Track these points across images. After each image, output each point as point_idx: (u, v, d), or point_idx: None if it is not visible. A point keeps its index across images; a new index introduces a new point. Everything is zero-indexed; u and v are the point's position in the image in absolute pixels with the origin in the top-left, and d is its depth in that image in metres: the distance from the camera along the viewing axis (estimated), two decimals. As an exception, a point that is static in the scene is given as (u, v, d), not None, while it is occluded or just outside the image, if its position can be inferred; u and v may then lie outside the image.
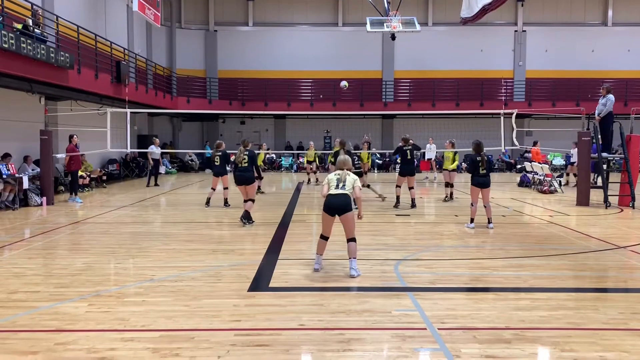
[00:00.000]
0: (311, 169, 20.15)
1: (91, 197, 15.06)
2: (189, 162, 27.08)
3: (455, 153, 14.21)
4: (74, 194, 14.03)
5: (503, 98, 28.33)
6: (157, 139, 19.56)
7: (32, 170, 13.98)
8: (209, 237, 9.02)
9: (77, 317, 4.93)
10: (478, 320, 4.86)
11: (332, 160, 14.28)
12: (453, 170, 14.22)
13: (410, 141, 12.98)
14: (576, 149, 18.29)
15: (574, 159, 18.47)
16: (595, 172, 14.82)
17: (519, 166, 25.62)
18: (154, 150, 18.30)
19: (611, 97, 13.03)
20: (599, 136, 13.16)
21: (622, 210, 12.39)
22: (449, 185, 14.28)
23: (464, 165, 11.67)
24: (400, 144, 13.00)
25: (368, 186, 14.01)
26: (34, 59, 12.53)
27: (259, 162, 16.03)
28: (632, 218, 11.55)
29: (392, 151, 16.45)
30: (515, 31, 29.48)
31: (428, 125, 26.25)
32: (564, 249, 8.07)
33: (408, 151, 12.70)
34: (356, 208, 6.59)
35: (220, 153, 12.75)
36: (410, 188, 12.69)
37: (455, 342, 4.35)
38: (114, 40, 19.22)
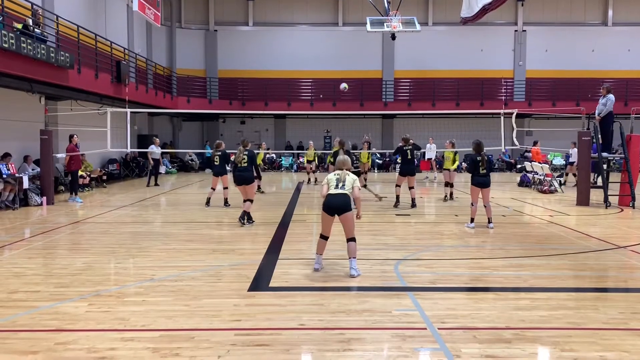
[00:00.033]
0: (311, 168, 20.15)
1: (91, 197, 15.06)
2: (189, 161, 27.08)
3: (455, 153, 14.21)
4: (74, 193, 14.03)
5: (503, 98, 28.32)
6: (157, 139, 19.56)
7: (32, 170, 13.99)
8: (209, 237, 9.02)
9: (77, 317, 4.93)
10: (478, 320, 4.86)
11: (332, 160, 14.29)
12: (453, 169, 14.23)
13: (411, 141, 12.98)
14: (575, 148, 18.34)
15: (573, 158, 18.49)
16: (595, 172, 14.82)
17: (519, 166, 25.62)
18: (154, 150, 18.30)
19: (611, 97, 13.03)
20: (599, 136, 13.16)
21: (622, 210, 12.39)
22: (448, 184, 14.28)
23: (464, 165, 11.67)
24: (401, 144, 13.00)
25: (365, 186, 14.00)
26: (34, 59, 12.52)
27: (258, 161, 16.05)
28: (632, 218, 11.55)
29: (392, 151, 16.45)
30: (516, 31, 29.48)
31: (428, 125, 26.24)
32: (564, 248, 8.07)
33: (408, 151, 12.70)
34: (355, 208, 6.58)
35: (220, 153, 12.75)
36: (411, 188, 12.69)
37: (456, 341, 4.35)
38: (114, 40, 19.22)
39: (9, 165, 12.70)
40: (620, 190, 13.19)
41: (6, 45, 11.33)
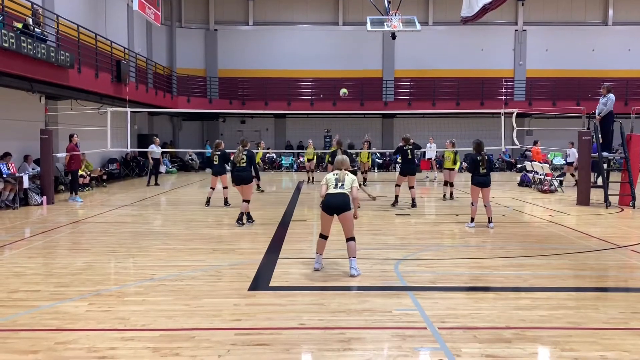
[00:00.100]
0: (310, 167, 20.17)
1: (91, 197, 15.06)
2: (189, 161, 27.08)
3: (455, 153, 14.22)
4: (74, 193, 14.03)
5: (503, 97, 28.33)
6: (158, 138, 19.56)
7: (33, 169, 13.98)
8: (209, 237, 9.02)
9: (77, 317, 4.93)
10: (478, 320, 4.86)
11: (330, 159, 14.30)
12: (453, 169, 14.24)
13: (411, 141, 12.99)
14: (573, 148, 18.37)
15: (571, 158, 18.52)
16: (595, 171, 14.81)
17: (519, 165, 25.63)
18: (154, 150, 18.30)
19: (612, 96, 13.03)
20: (600, 135, 13.15)
21: (622, 210, 12.39)
22: (448, 184, 14.30)
23: (464, 164, 11.68)
24: (401, 143, 13.00)
25: (360, 185, 14.02)
26: (34, 58, 12.52)
27: (257, 160, 16.03)
28: (632, 217, 11.55)
29: (393, 151, 16.45)
30: (516, 30, 29.46)
31: (428, 125, 26.24)
32: (565, 248, 8.07)
33: (409, 151, 12.71)
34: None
35: (219, 152, 12.75)
36: (411, 187, 12.70)
37: (456, 341, 4.35)
38: (114, 40, 19.22)
39: (9, 164, 12.71)
40: (620, 189, 13.19)
41: (6, 45, 11.33)
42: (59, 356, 4.08)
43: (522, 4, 29.18)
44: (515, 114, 15.21)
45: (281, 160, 27.98)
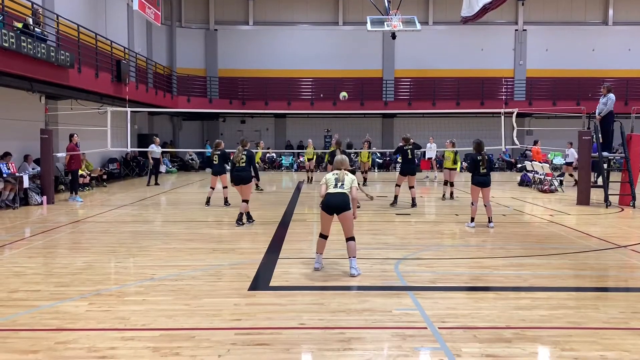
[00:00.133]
0: (309, 166, 20.17)
1: (91, 196, 15.06)
2: (189, 161, 27.08)
3: (455, 153, 14.22)
4: (74, 193, 14.03)
5: (503, 97, 28.32)
6: (158, 138, 19.56)
7: (33, 169, 13.99)
8: (209, 236, 9.02)
9: (77, 316, 4.93)
10: (478, 320, 4.86)
11: (329, 159, 14.30)
12: (453, 169, 14.25)
13: (411, 140, 12.99)
14: (571, 148, 18.38)
15: (570, 158, 18.54)
16: (595, 171, 14.82)
17: (519, 165, 25.63)
18: (155, 150, 18.30)
19: (612, 96, 13.03)
20: (600, 135, 13.15)
21: (622, 210, 12.38)
22: (447, 183, 14.31)
23: (464, 164, 11.68)
24: (401, 143, 13.00)
25: (358, 185, 14.03)
26: (34, 58, 12.52)
27: (257, 159, 16.04)
28: (632, 217, 11.55)
29: (393, 150, 16.46)
30: (516, 30, 29.46)
31: (428, 125, 26.25)
32: (565, 248, 8.07)
33: (409, 150, 12.71)
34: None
35: (219, 152, 12.76)
36: (411, 187, 12.70)
37: (456, 341, 4.35)
38: (115, 39, 19.22)
39: (9, 164, 12.71)
40: (620, 189, 13.18)
41: (6, 45, 11.33)
42: (59, 356, 4.08)
43: (522, 4, 29.17)
44: (515, 113, 15.22)
45: (281, 160, 27.98)
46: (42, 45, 12.82)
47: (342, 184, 6.47)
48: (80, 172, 15.03)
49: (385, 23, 19.52)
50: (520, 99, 28.33)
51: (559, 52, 28.90)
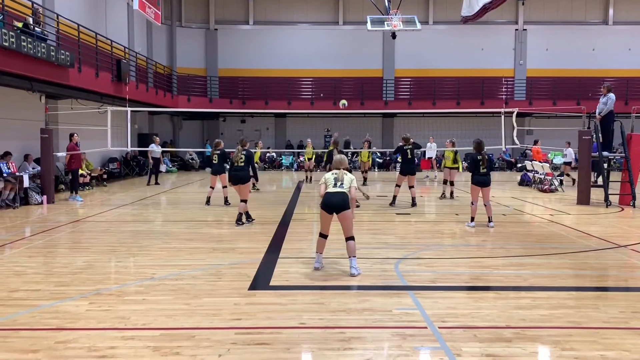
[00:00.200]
0: (308, 166, 20.16)
1: (92, 196, 15.06)
2: (190, 160, 27.08)
3: (455, 152, 14.22)
4: (74, 192, 14.03)
5: (504, 97, 28.30)
6: (158, 138, 19.55)
7: (33, 168, 13.99)
8: (209, 236, 9.02)
9: (77, 316, 4.93)
10: (479, 319, 4.86)
11: (327, 159, 14.30)
12: (454, 168, 14.25)
13: (411, 140, 12.98)
14: (570, 148, 18.38)
15: (568, 158, 18.55)
16: (595, 171, 14.82)
17: (519, 165, 25.63)
18: (155, 149, 18.31)
19: (612, 96, 13.03)
20: (600, 135, 13.15)
21: (622, 209, 12.38)
22: (447, 182, 14.30)
23: (464, 164, 11.68)
24: (401, 143, 12.99)
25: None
26: (34, 58, 12.52)
27: (255, 159, 16.01)
28: (632, 217, 11.55)
29: (393, 150, 16.46)
30: (516, 30, 29.45)
31: (429, 124, 26.26)
32: (565, 247, 8.07)
33: (408, 150, 12.70)
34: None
35: (218, 152, 12.76)
36: (411, 187, 12.69)
37: (456, 340, 4.35)
38: (115, 39, 19.22)
39: (10, 164, 12.71)
40: (620, 189, 13.19)
41: (6, 44, 11.33)
42: (59, 355, 4.08)
43: (523, 4, 29.15)
44: (515, 113, 15.22)
45: (281, 160, 27.98)
46: (42, 44, 12.82)
47: (342, 184, 6.48)
48: (80, 171, 15.02)
49: (385, 23, 19.52)
50: (520, 99, 28.32)
51: (559, 51, 28.90)
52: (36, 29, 13.09)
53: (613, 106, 13.06)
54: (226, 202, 12.77)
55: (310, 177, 19.73)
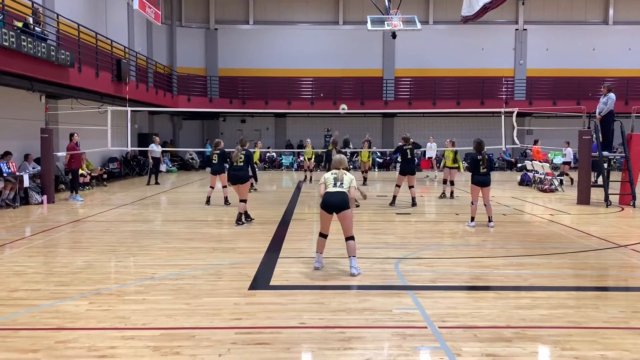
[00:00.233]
0: (308, 166, 20.17)
1: (92, 196, 15.06)
2: (190, 160, 27.08)
3: (455, 152, 14.22)
4: (74, 192, 14.03)
5: (504, 97, 28.30)
6: (158, 137, 19.56)
7: (33, 168, 13.99)
8: (209, 236, 9.02)
9: (77, 315, 4.94)
10: (479, 319, 4.86)
11: (326, 159, 14.29)
12: (454, 167, 14.25)
13: (411, 140, 12.98)
14: (569, 148, 18.37)
15: (567, 158, 18.54)
16: (595, 170, 14.82)
17: (519, 165, 25.62)
18: (155, 149, 18.31)
19: (612, 95, 13.03)
20: (600, 135, 13.15)
21: (622, 209, 12.38)
22: (446, 182, 14.30)
23: (464, 164, 11.68)
24: (401, 143, 12.99)
25: None
26: (34, 57, 12.52)
27: (255, 159, 16.02)
28: (632, 217, 11.55)
29: (393, 150, 16.46)
30: (516, 30, 29.45)
31: (429, 124, 26.26)
32: (565, 247, 8.07)
33: (408, 150, 12.70)
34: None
35: (218, 151, 12.76)
36: (411, 187, 12.69)
37: (456, 340, 4.35)
38: (115, 39, 19.22)
39: (10, 163, 12.70)
40: (620, 189, 13.18)
41: (7, 44, 11.32)
42: (59, 355, 4.08)
43: (523, 3, 29.13)
44: (515, 113, 15.22)
45: (281, 160, 27.98)
46: (43, 44, 12.82)
47: (341, 183, 6.49)
48: (80, 171, 15.02)
49: (385, 22, 19.52)
50: (520, 99, 28.33)
51: (559, 51, 28.89)
52: (36, 28, 13.09)
53: (613, 106, 13.06)
54: (226, 201, 12.77)
55: (311, 177, 19.73)
